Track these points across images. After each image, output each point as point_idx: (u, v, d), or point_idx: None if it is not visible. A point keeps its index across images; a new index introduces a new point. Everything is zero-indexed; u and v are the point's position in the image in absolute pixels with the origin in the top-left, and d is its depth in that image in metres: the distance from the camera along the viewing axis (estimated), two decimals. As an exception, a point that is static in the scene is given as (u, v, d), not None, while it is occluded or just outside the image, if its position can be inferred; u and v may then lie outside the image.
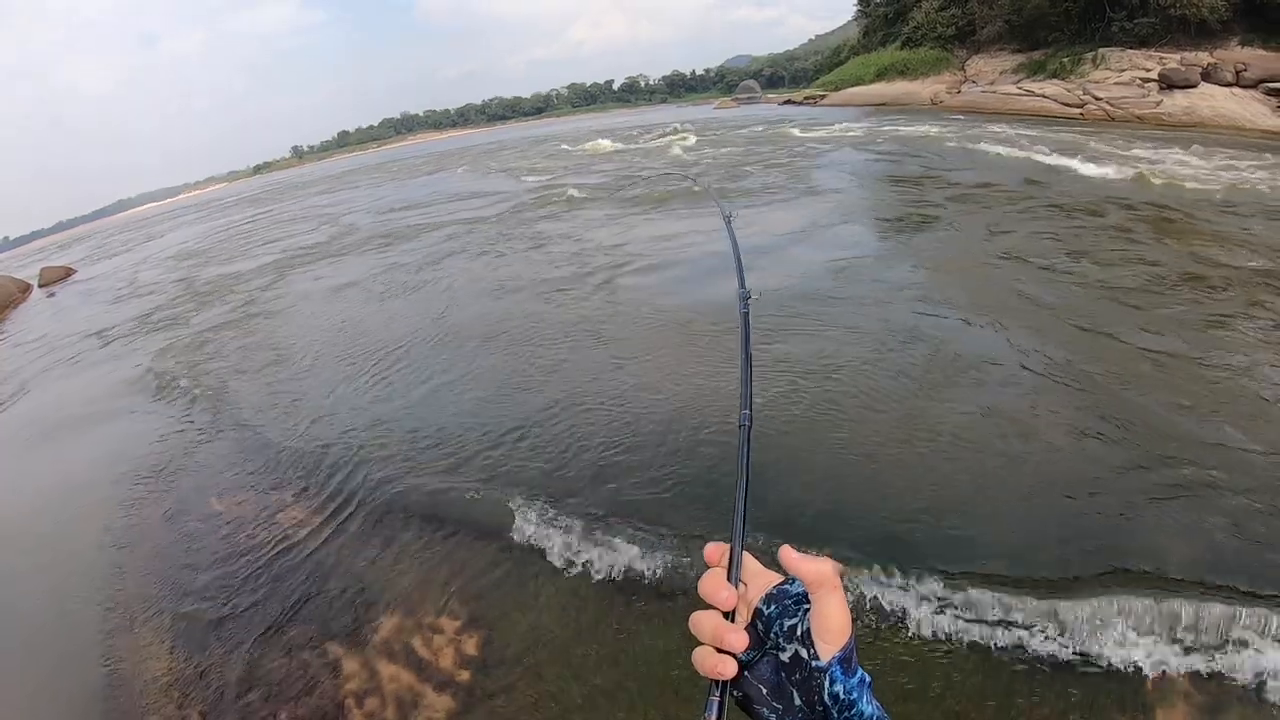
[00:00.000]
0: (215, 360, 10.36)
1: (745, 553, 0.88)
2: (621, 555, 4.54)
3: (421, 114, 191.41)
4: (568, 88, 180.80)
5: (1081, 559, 3.99)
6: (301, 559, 5.13)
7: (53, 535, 6.39)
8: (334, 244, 18.60)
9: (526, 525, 5.00)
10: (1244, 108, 23.58)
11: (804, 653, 0.79)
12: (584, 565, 4.57)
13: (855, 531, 4.44)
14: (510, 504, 5.20)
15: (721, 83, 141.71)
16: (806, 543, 4.20)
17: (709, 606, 0.83)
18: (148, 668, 4.42)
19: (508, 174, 29.73)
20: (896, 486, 4.83)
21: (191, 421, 8.18)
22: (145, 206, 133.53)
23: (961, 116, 30.75)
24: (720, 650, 0.79)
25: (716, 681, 0.78)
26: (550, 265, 11.95)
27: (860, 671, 0.79)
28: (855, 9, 60.60)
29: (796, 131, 29.15)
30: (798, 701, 0.79)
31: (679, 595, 4.13)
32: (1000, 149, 18.30)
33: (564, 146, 39.96)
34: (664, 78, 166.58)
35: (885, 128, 23.20)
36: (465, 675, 3.91)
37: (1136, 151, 16.88)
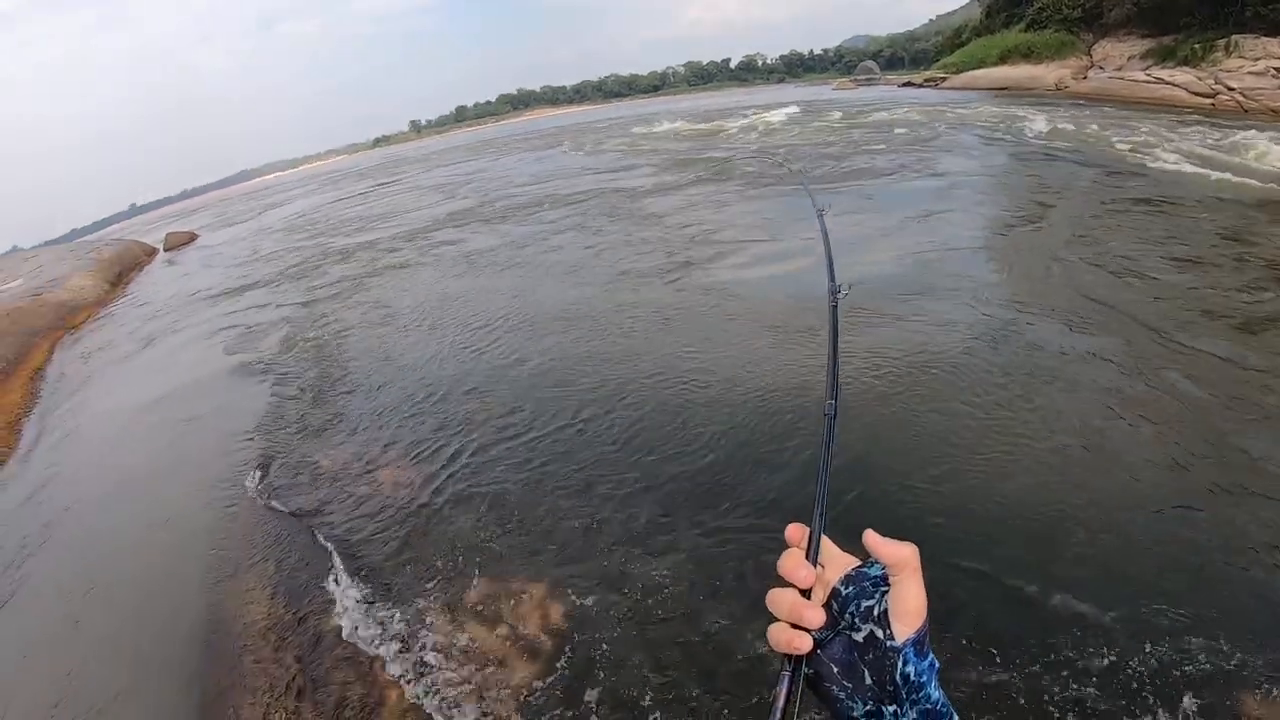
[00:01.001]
0: (328, 325, 11.11)
1: (824, 535, 0.93)
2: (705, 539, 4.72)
3: (539, 90, 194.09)
4: (684, 65, 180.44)
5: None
6: (400, 517, 5.43)
7: (171, 484, 6.94)
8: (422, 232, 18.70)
9: (611, 502, 5.24)
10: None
11: (879, 633, 0.82)
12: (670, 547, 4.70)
13: (934, 529, 4.51)
14: (597, 483, 5.50)
15: (840, 63, 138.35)
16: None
17: (786, 584, 0.87)
18: (249, 611, 4.72)
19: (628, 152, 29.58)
20: (984, 490, 4.82)
21: (300, 382, 8.84)
22: (268, 176, 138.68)
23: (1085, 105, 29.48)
24: (795, 626, 0.83)
25: (789, 657, 0.82)
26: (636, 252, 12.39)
27: (931, 655, 0.82)
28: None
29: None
30: (868, 681, 0.82)
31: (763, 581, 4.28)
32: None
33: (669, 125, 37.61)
34: (781, 57, 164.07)
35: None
36: (548, 643, 4.02)
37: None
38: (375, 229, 20.02)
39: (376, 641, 4.29)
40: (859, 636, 0.84)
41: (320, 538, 5.44)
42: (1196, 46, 30.07)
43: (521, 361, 8.20)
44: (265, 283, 15.56)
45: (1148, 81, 30.61)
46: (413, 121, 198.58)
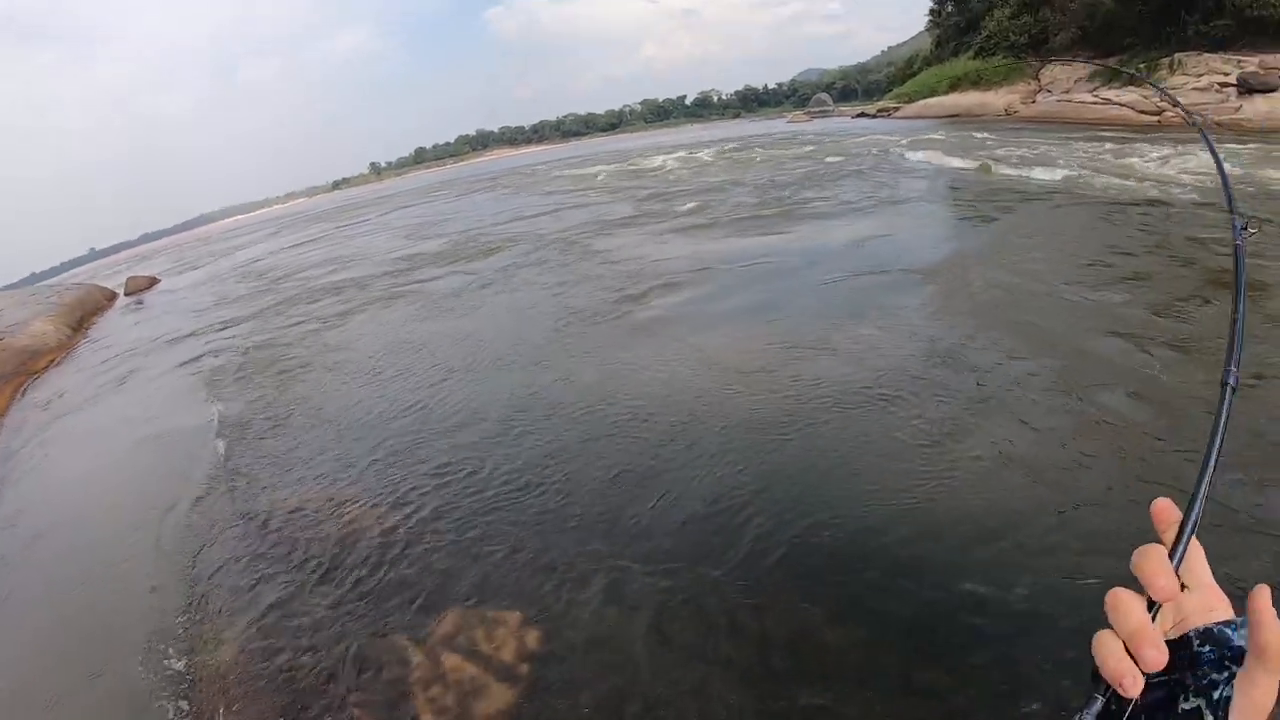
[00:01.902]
0: (289, 363, 11.06)
1: (1195, 543, 0.76)
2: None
3: (497, 130, 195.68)
4: (641, 103, 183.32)
5: None
6: (368, 552, 5.27)
7: (128, 525, 6.68)
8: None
9: (593, 531, 5.08)
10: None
11: (1208, 718, 0.67)
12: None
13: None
14: (577, 514, 5.31)
15: (794, 96, 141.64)
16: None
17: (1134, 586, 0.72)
18: (220, 653, 4.55)
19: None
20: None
21: (265, 420, 8.67)
22: (227, 220, 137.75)
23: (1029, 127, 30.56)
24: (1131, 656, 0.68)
25: (1107, 684, 0.68)
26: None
27: None
28: (927, 19, 60.45)
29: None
30: None
31: (755, 597, 4.13)
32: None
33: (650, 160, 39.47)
34: (736, 92, 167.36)
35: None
36: (526, 668, 3.92)
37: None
38: (334, 273, 19.84)
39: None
40: (1184, 707, 0.69)
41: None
42: (1141, 66, 30.97)
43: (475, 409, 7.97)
44: (226, 326, 15.29)
45: (1095, 103, 31.56)
46: (372, 164, 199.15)
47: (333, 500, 6.25)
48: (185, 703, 4.25)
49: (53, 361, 16.30)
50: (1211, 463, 0.81)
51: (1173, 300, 7.57)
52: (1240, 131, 23.08)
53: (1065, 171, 16.38)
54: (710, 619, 4.03)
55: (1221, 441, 0.84)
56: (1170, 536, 0.75)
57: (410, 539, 5.36)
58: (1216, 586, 0.75)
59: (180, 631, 4.92)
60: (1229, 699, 0.66)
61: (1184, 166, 15.19)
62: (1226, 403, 0.91)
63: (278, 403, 9.32)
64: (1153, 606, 0.71)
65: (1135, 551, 0.73)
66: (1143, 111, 28.23)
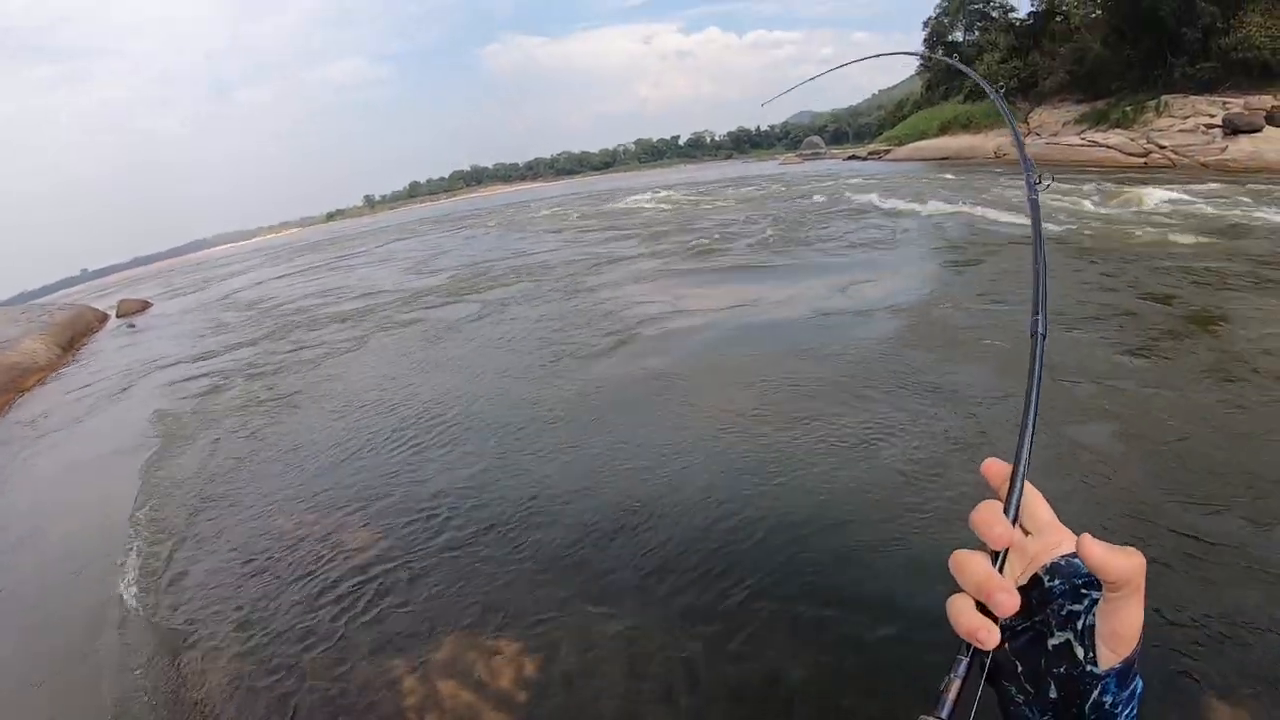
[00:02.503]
0: (278, 391, 10.89)
1: (1031, 488, 0.76)
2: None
3: (491, 166, 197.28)
4: (635, 143, 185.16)
5: None
6: (364, 579, 5.19)
7: (120, 545, 6.49)
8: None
9: (587, 550, 5.11)
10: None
11: (1079, 650, 0.69)
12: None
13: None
14: (575, 539, 5.31)
15: (787, 138, 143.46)
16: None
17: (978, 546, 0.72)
18: (208, 678, 4.47)
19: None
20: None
21: (258, 445, 8.54)
22: (222, 247, 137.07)
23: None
24: (984, 609, 0.67)
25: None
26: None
27: (1136, 682, 0.70)
28: (918, 64, 61.48)
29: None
30: (1053, 695, 0.71)
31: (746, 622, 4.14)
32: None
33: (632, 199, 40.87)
34: (729, 133, 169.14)
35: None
36: (523, 696, 3.87)
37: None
38: (328, 304, 19.73)
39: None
40: (1053, 643, 0.71)
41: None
42: (1128, 109, 31.63)
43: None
44: (218, 353, 15.06)
45: (1082, 145, 32.09)
46: (366, 196, 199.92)
47: (325, 526, 6.14)
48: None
49: (41, 380, 16.13)
50: (1032, 411, 0.82)
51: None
52: (1226, 172, 23.47)
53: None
54: (711, 652, 3.98)
55: (1039, 389, 0.85)
56: (1005, 490, 0.75)
57: (407, 566, 5.28)
58: (1060, 524, 0.76)
59: (163, 657, 4.80)
60: (1093, 626, 0.68)
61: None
62: (1039, 352, 0.91)
63: (264, 429, 9.19)
64: (998, 559, 0.70)
65: (974, 511, 0.72)
66: (1129, 153, 28.69)
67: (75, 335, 21.61)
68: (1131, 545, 0.65)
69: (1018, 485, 0.74)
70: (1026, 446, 0.78)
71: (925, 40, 58.82)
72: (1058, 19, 42.79)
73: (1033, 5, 45.74)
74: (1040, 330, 0.95)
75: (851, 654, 3.83)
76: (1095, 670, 0.68)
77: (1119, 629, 0.67)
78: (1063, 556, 0.73)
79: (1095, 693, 0.68)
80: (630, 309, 12.13)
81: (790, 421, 6.66)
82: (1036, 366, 0.88)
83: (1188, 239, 12.00)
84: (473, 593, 4.85)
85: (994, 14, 51.06)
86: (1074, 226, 14.30)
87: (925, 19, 58.13)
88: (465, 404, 8.79)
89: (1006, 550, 0.71)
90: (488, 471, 6.70)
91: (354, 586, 5.10)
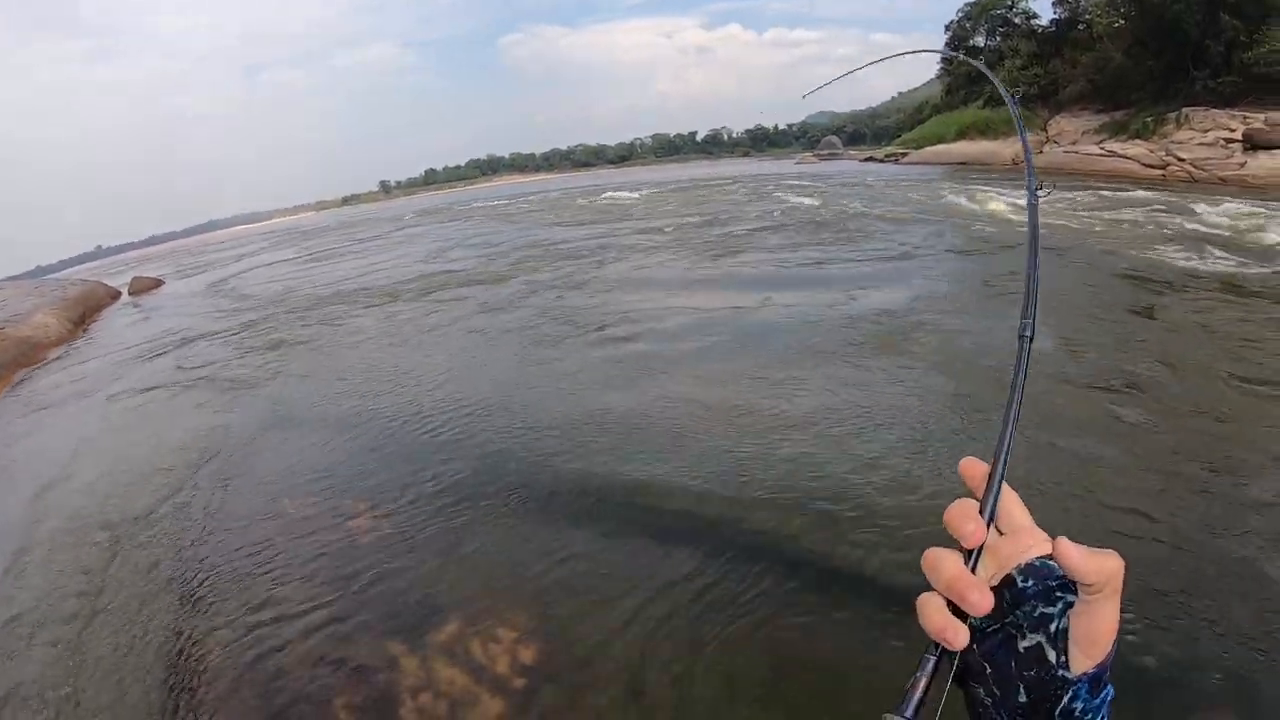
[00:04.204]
0: (290, 370, 10.97)
1: (1009, 490, 0.76)
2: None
3: (507, 156, 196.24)
4: (652, 137, 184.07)
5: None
6: (365, 562, 5.20)
7: (127, 525, 6.47)
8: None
9: (594, 532, 5.21)
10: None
11: (1051, 654, 0.68)
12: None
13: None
14: (583, 517, 5.43)
15: (804, 138, 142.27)
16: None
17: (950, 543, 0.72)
18: (209, 653, 4.49)
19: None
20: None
21: (263, 426, 8.55)
22: (237, 228, 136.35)
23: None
24: (954, 609, 0.67)
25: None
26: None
27: (1108, 690, 0.69)
28: (938, 67, 61.23)
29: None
30: (1021, 699, 0.69)
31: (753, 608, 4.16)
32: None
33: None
34: (747, 131, 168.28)
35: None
36: (521, 682, 3.89)
37: None
38: (343, 286, 19.66)
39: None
40: (1024, 645, 0.70)
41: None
42: (1148, 120, 31.38)
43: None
44: (228, 333, 15.10)
45: (1101, 155, 31.74)
46: (382, 182, 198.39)
47: (325, 507, 6.16)
48: (168, 702, 4.16)
49: (52, 354, 16.30)
50: (1014, 413, 0.81)
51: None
52: (1244, 187, 23.13)
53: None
54: (715, 641, 3.99)
55: (1022, 392, 0.84)
56: (982, 489, 0.75)
57: (408, 548, 5.31)
58: (1035, 527, 0.75)
59: (163, 631, 4.82)
60: (1066, 630, 0.68)
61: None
62: (1025, 354, 0.90)
63: (272, 410, 9.23)
64: (970, 558, 0.70)
65: (947, 509, 0.73)
66: (1148, 165, 28.39)
67: (87, 311, 21.86)
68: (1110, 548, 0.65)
69: (995, 485, 0.74)
70: (1005, 447, 0.77)
71: (947, 44, 58.42)
72: (1080, 27, 42.45)
73: (1055, 13, 45.43)
74: (1029, 334, 0.94)
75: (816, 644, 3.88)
76: (1067, 675, 0.67)
77: (1093, 633, 0.66)
78: (1037, 558, 0.72)
79: (1066, 698, 0.67)
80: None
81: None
82: (1022, 368, 0.87)
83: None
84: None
85: (1016, 20, 50.59)
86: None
87: (947, 23, 57.69)
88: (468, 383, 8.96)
89: (980, 550, 0.71)
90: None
91: (354, 565, 5.14)
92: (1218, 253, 11.61)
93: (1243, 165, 25.06)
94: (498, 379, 9.04)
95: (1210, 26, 30.00)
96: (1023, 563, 0.72)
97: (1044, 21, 47.78)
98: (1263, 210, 15.43)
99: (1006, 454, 0.77)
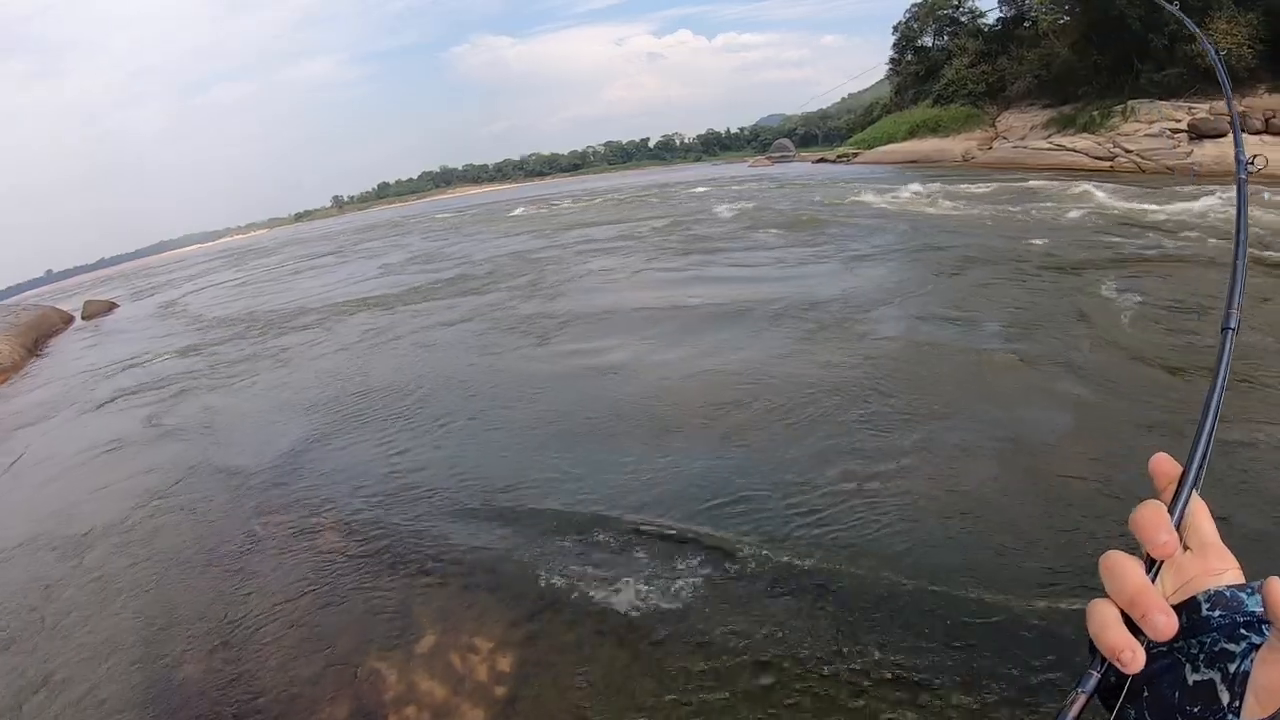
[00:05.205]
0: (250, 391, 10.82)
1: (1198, 500, 0.68)
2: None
3: (460, 168, 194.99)
4: (604, 145, 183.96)
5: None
6: (340, 579, 5.16)
7: (97, 551, 6.37)
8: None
9: (563, 552, 5.07)
10: (1276, 154, 23.55)
11: (1224, 696, 0.59)
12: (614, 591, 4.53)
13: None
14: (551, 533, 5.31)
15: (756, 141, 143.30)
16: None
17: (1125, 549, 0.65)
18: (185, 670, 4.44)
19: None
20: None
21: (226, 450, 8.36)
22: (188, 248, 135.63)
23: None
24: (1131, 626, 0.60)
25: (1105, 659, 0.60)
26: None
27: None
28: (887, 67, 61.68)
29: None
30: None
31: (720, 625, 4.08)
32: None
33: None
34: (699, 136, 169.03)
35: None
36: (500, 690, 3.87)
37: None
38: (296, 303, 19.63)
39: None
40: (1194, 678, 0.61)
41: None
42: (1095, 113, 31.94)
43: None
44: (182, 353, 15.02)
45: (1050, 149, 32.26)
46: (335, 196, 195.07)
47: (301, 520, 6.15)
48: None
49: (5, 381, 16.16)
50: (1213, 411, 0.72)
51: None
52: (1195, 176, 23.49)
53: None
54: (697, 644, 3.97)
55: (1224, 387, 0.76)
56: (1170, 493, 0.68)
57: (385, 560, 5.29)
58: (1224, 547, 0.67)
59: (138, 646, 4.77)
60: (1247, 674, 0.59)
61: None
62: (1228, 347, 0.84)
63: (233, 424, 9.21)
64: (1152, 569, 0.63)
65: (1135, 510, 0.64)
66: (1096, 158, 28.81)
67: (40, 336, 21.88)
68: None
69: (1185, 492, 0.67)
70: (1202, 450, 0.69)
71: (895, 44, 58.98)
72: (1026, 25, 43.07)
73: (1001, 11, 46.08)
74: (1233, 325, 0.87)
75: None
76: None
77: (1275, 682, 0.56)
78: (1228, 587, 0.63)
79: None
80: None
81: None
82: (1224, 363, 0.80)
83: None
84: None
85: (963, 19, 51.24)
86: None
87: (895, 23, 58.23)
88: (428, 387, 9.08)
89: (1162, 562, 0.63)
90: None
91: (345, 577, 5.16)
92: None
93: (1189, 155, 25.64)
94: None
95: (1153, 20, 30.44)
96: (1213, 589, 0.63)
97: (991, 20, 48.49)
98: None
99: (1204, 458, 0.69)
